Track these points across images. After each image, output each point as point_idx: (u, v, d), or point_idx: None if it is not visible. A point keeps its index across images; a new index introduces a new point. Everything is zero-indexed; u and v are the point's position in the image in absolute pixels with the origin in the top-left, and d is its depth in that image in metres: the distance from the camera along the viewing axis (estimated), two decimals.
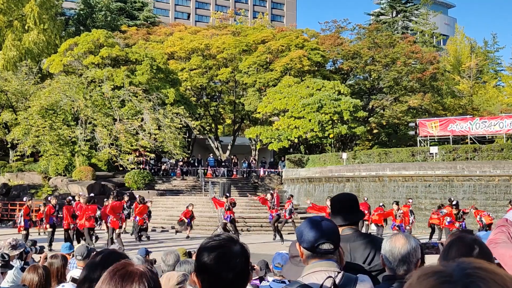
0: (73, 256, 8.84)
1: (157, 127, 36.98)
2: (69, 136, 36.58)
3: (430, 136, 39.49)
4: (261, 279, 8.23)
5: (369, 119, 53.40)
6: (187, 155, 43.42)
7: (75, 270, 6.81)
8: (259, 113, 45.89)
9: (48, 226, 23.39)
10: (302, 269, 3.22)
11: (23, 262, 8.58)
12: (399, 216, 25.23)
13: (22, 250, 9.11)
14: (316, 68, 50.42)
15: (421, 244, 3.79)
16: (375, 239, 4.35)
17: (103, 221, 24.46)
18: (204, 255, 2.58)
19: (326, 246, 3.10)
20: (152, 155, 39.99)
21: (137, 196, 29.54)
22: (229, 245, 2.61)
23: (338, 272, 3.08)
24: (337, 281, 3.03)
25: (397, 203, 25.79)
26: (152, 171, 42.15)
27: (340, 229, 3.81)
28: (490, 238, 3.34)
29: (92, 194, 27.87)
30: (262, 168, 46.32)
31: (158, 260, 10.41)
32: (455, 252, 2.53)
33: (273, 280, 6.57)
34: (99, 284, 2.06)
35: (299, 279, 3.14)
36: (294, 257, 3.54)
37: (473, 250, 2.64)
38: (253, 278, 7.88)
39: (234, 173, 46.23)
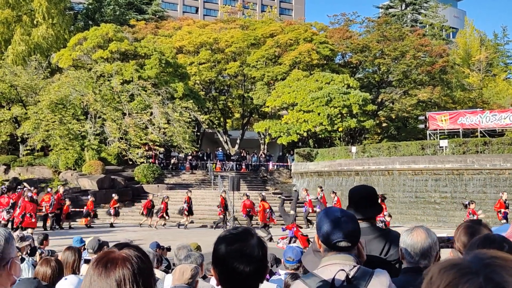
0: (84, 249, 8.88)
1: (166, 121, 37.05)
2: (79, 130, 36.71)
3: (439, 129, 39.31)
4: (271, 272, 8.18)
5: (378, 113, 53.24)
6: (196, 149, 43.48)
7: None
8: (267, 107, 45.86)
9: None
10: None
11: (35, 260, 8.66)
12: None
13: (30, 241, 9.20)
14: (325, 62, 50.26)
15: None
16: (390, 232, 4.33)
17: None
18: (222, 248, 2.58)
19: (343, 244, 3.07)
20: (161, 149, 40.09)
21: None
22: (247, 238, 2.60)
23: (354, 266, 3.06)
24: (351, 274, 3.01)
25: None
26: (162, 165, 42.25)
27: None
28: (508, 235, 3.30)
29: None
30: (270, 162, 46.28)
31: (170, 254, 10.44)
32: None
33: (285, 274, 6.56)
34: (85, 277, 2.05)
35: (314, 272, 3.14)
36: (317, 251, 3.53)
37: (503, 248, 2.61)
38: None
39: (243, 167, 46.24)
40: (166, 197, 30.67)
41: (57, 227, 28.37)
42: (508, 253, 2.59)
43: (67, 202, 29.86)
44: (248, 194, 30.11)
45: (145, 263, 2.07)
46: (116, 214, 30.46)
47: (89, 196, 31.13)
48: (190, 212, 29.88)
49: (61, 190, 29.86)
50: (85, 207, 30.29)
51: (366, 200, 4.34)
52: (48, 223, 28.33)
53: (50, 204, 27.78)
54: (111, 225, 29.64)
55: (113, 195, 31.39)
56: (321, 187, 31.92)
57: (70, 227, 29.05)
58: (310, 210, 30.22)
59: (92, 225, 29.80)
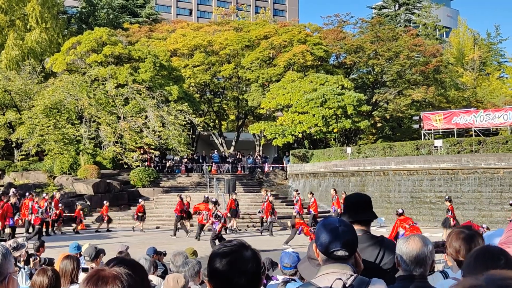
0: (80, 255, 8.86)
1: (161, 124, 37.05)
2: (74, 135, 36.65)
3: (434, 129, 39.41)
4: (267, 277, 8.16)
5: (373, 113, 53.33)
6: (191, 152, 43.47)
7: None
8: (262, 108, 45.88)
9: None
10: (317, 271, 3.24)
11: (31, 269, 8.64)
12: None
13: (24, 249, 9.18)
14: (319, 63, 50.31)
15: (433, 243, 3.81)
16: (383, 240, 4.36)
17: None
18: (216, 261, 2.60)
19: (341, 253, 3.10)
20: (157, 153, 40.05)
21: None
22: (241, 251, 2.63)
23: (351, 275, 3.08)
24: (348, 283, 3.04)
25: None
26: (157, 168, 42.21)
27: None
28: (502, 241, 3.32)
29: None
30: (266, 163, 46.31)
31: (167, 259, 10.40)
32: (480, 264, 2.50)
33: (284, 278, 6.56)
34: None
35: (312, 281, 3.17)
36: (312, 259, 3.55)
37: (499, 261, 2.62)
38: None
39: (239, 169, 46.25)
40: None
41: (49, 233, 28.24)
42: (505, 265, 2.62)
43: (79, 206, 30.09)
44: (182, 196, 29.58)
45: (136, 280, 2.08)
46: (140, 219, 29.65)
47: (104, 202, 30.87)
48: (235, 214, 29.23)
49: (57, 195, 29.74)
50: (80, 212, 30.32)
51: (358, 207, 4.38)
52: (52, 228, 28.39)
53: (44, 209, 27.64)
54: (133, 229, 29.23)
55: (140, 200, 31.20)
56: (297, 191, 32.01)
57: (70, 230, 29.10)
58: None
59: (99, 230, 29.68)
